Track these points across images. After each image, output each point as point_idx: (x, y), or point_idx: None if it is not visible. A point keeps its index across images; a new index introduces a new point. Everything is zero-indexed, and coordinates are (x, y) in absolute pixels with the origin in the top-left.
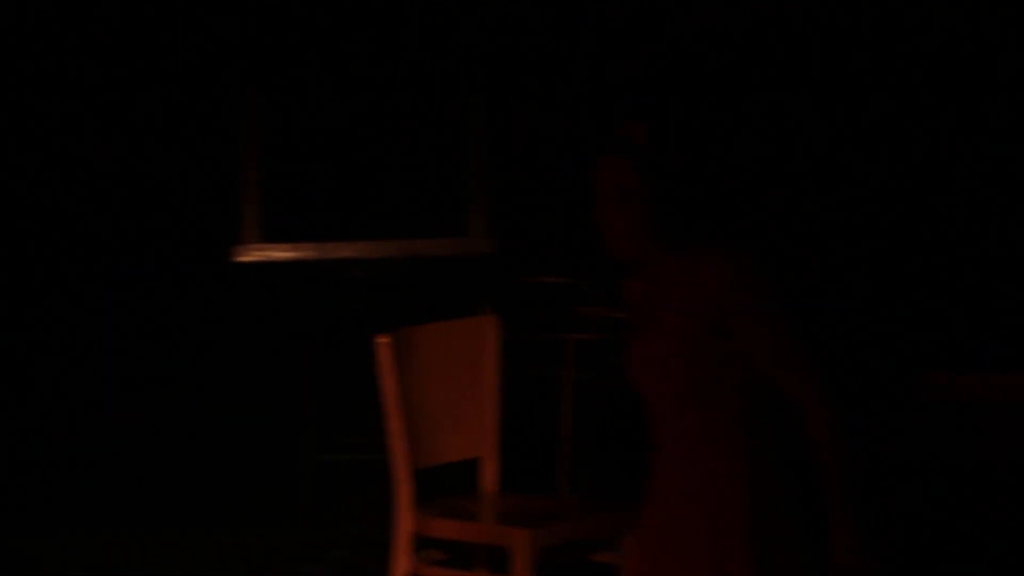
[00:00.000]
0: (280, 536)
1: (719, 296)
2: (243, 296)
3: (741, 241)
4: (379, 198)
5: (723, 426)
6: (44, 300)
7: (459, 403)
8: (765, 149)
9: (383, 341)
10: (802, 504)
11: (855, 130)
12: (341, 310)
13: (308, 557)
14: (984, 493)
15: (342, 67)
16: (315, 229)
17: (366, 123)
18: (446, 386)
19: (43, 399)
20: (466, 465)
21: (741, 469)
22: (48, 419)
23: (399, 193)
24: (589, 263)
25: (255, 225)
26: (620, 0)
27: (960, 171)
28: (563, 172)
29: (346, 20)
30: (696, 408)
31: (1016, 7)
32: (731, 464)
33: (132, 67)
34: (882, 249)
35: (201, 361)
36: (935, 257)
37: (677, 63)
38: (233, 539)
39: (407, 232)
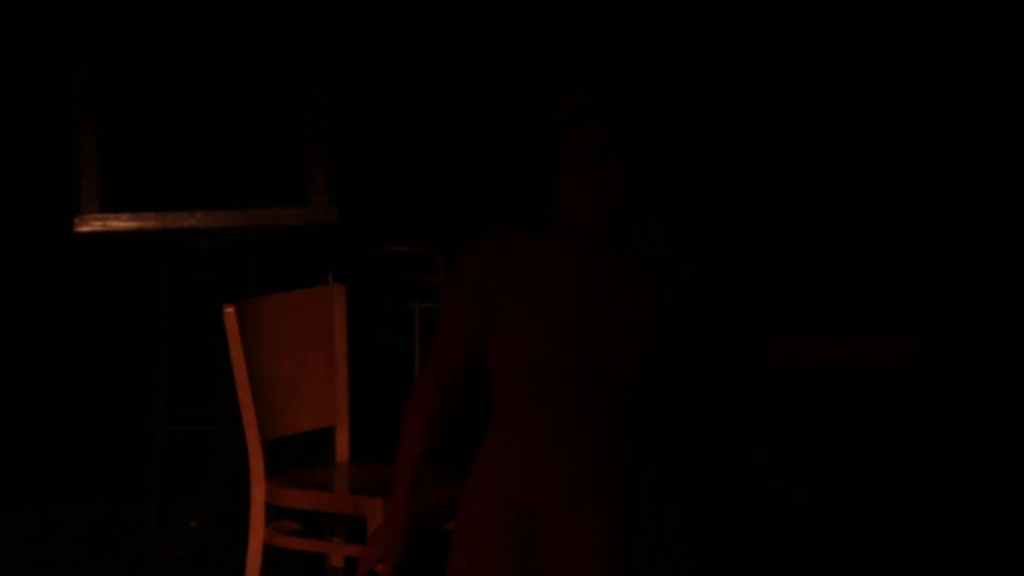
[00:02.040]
0: (133, 510)
1: (684, 297)
2: (85, 268)
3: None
4: (221, 167)
5: (659, 421)
6: None
7: (309, 373)
8: None
9: (229, 311)
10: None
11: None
12: (187, 281)
13: (162, 530)
14: (829, 458)
15: (179, 30)
16: (157, 198)
17: (206, 88)
18: (295, 356)
19: None
20: (319, 435)
21: (672, 464)
22: None
23: (242, 162)
24: (434, 232)
25: (94, 194)
26: None
27: (797, 137)
28: (407, 140)
29: None
30: (646, 399)
31: None
32: (667, 459)
33: None
34: (724, 218)
35: (45, 335)
36: (778, 226)
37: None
38: (85, 514)
39: (251, 202)
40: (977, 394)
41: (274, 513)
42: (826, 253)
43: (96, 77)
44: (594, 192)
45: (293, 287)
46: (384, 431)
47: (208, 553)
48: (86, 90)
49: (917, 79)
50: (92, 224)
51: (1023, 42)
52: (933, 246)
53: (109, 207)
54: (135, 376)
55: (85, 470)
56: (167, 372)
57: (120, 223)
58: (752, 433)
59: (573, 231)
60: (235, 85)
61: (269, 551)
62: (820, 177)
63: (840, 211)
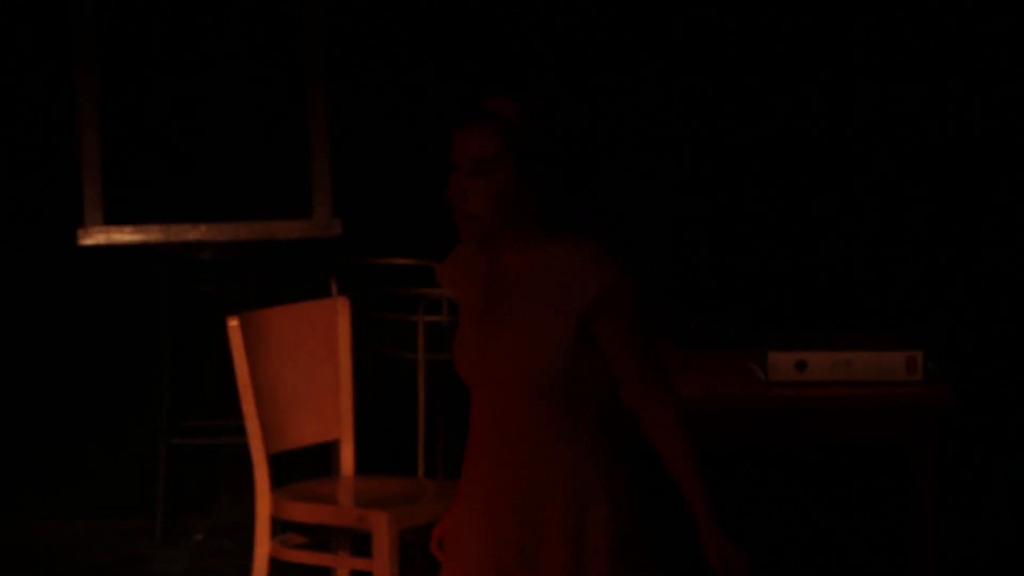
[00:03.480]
0: (138, 522)
1: (596, 303)
2: (88, 280)
3: (607, 231)
4: (224, 179)
5: (581, 424)
6: None
7: (313, 385)
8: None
9: (233, 324)
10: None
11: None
12: (190, 293)
13: (167, 543)
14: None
15: (183, 43)
16: (160, 210)
17: (209, 101)
18: (299, 368)
19: None
20: (323, 448)
21: (598, 469)
22: None
23: (245, 174)
24: (438, 244)
25: (98, 207)
26: None
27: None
28: (410, 152)
29: None
30: (549, 405)
31: None
32: (588, 463)
33: None
34: (718, 223)
35: (48, 348)
36: (775, 234)
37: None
38: (90, 527)
39: (254, 214)
40: (983, 405)
41: (279, 526)
42: (822, 260)
43: (99, 90)
44: (461, 203)
45: (297, 299)
46: (388, 444)
47: (213, 566)
48: (88, 103)
49: (918, 80)
50: (95, 236)
51: None
52: (933, 253)
53: (112, 219)
54: (139, 389)
55: (90, 483)
56: (171, 384)
57: (123, 235)
58: (680, 467)
59: (483, 242)
60: (237, 97)
61: (275, 564)
62: (818, 183)
63: (839, 216)
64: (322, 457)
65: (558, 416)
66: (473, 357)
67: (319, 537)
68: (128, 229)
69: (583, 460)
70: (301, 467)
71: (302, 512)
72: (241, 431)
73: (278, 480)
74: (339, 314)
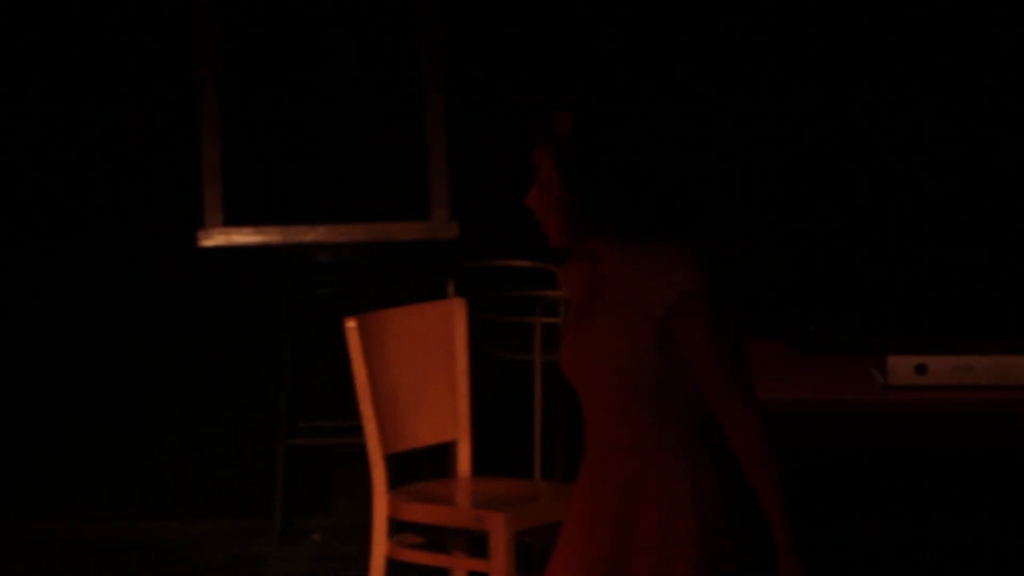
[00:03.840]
0: (256, 523)
1: (674, 308)
2: (208, 281)
3: (696, 238)
4: (343, 180)
5: (672, 431)
6: (5, 289)
7: (430, 386)
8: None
9: (351, 325)
10: (746, 518)
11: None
12: (308, 294)
13: (285, 544)
14: (953, 481)
15: (302, 45)
16: (279, 212)
17: (327, 102)
18: (416, 369)
19: (8, 390)
20: (440, 449)
21: (690, 477)
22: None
23: (363, 176)
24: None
25: (218, 208)
26: None
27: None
28: (527, 154)
29: (308, 2)
30: (639, 411)
31: None
32: (678, 472)
33: (85, 49)
34: (836, 216)
35: (168, 349)
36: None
37: (643, 46)
38: (208, 525)
39: (372, 216)
40: None
41: (396, 527)
42: (945, 263)
43: (219, 92)
44: (537, 216)
45: (414, 301)
46: (505, 445)
47: (330, 566)
48: (209, 105)
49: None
50: (215, 238)
51: None
52: None
53: (232, 221)
54: (257, 390)
55: (208, 483)
56: (289, 386)
57: (243, 237)
58: (758, 477)
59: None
60: (356, 99)
61: (391, 564)
62: (939, 185)
63: (961, 219)
64: (439, 458)
65: (647, 422)
66: (571, 361)
67: (435, 538)
68: (247, 230)
69: (673, 467)
70: (418, 468)
71: (419, 513)
72: (358, 432)
73: (395, 481)
74: (456, 316)
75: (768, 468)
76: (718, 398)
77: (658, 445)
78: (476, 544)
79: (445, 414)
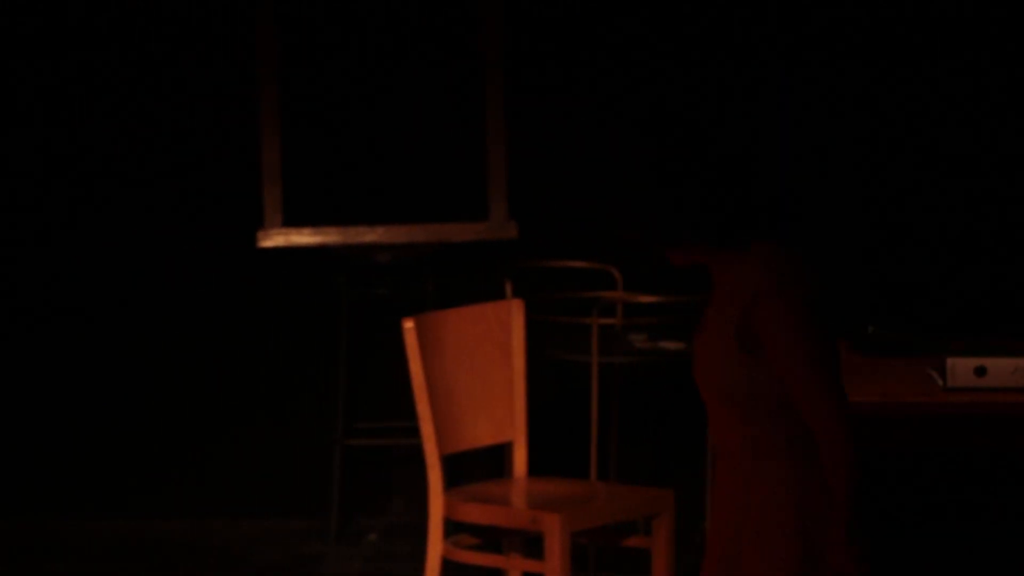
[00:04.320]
0: (313, 523)
1: (751, 308)
2: (267, 281)
3: (792, 238)
4: (401, 181)
5: (769, 436)
6: (67, 289)
7: (487, 387)
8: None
9: (409, 325)
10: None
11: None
12: (367, 295)
13: (341, 543)
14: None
15: (361, 46)
16: (337, 213)
17: (386, 103)
18: (473, 370)
19: (70, 390)
20: (496, 450)
21: (784, 484)
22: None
23: (422, 176)
24: (613, 247)
25: (277, 209)
26: None
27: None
28: (587, 155)
29: (368, 2)
30: (735, 416)
31: None
32: (774, 478)
33: (146, 49)
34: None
35: (228, 349)
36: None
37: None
38: (265, 525)
39: (431, 216)
40: None
41: (452, 527)
42: (1004, 265)
43: (279, 94)
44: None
45: (472, 301)
46: (561, 446)
47: (386, 566)
48: (269, 106)
49: None
50: (275, 238)
51: None
52: None
53: (291, 222)
54: (315, 390)
55: (266, 483)
56: (347, 386)
57: (302, 238)
58: (837, 479)
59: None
60: (415, 100)
61: (447, 565)
62: (998, 189)
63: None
64: (495, 459)
65: (744, 426)
66: (694, 370)
67: (491, 538)
68: (307, 231)
69: (769, 473)
70: (474, 468)
71: (475, 513)
72: (415, 432)
73: (451, 481)
74: (513, 316)
75: (844, 470)
76: (801, 397)
77: (755, 451)
78: (531, 545)
79: (501, 415)
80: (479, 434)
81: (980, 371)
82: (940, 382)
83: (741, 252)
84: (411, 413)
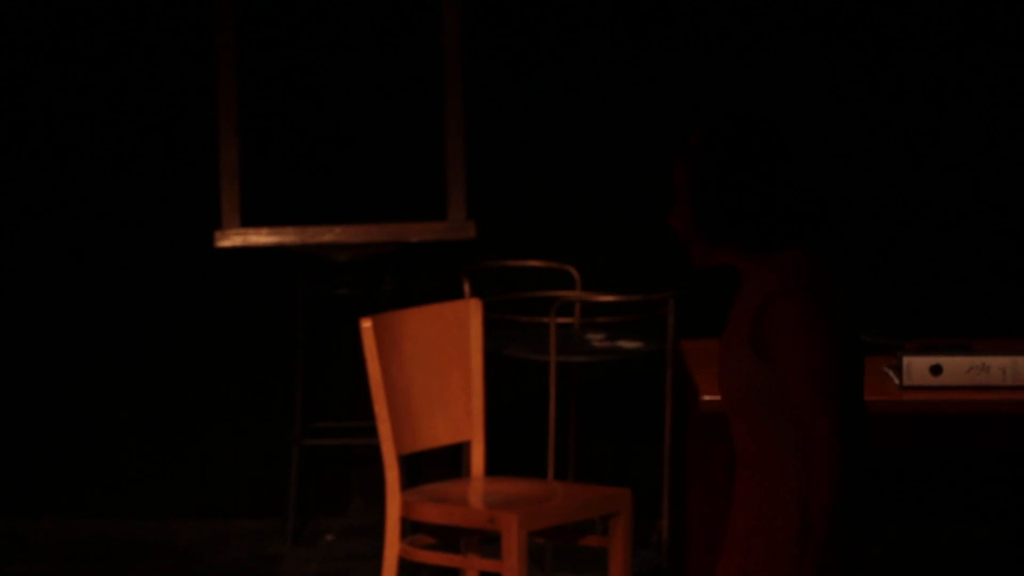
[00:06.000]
0: (269, 523)
1: (759, 314)
2: (225, 282)
3: (811, 245)
4: (359, 181)
5: (774, 448)
6: (21, 289)
7: (445, 387)
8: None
9: (367, 325)
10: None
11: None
12: (325, 295)
13: (298, 544)
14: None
15: (319, 45)
16: (296, 213)
17: (346, 104)
18: (431, 370)
19: (26, 391)
20: (454, 450)
21: (793, 497)
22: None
23: (381, 176)
24: (571, 247)
25: (235, 209)
26: None
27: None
28: (544, 154)
29: (325, 2)
30: (747, 424)
31: None
32: (780, 489)
33: (102, 48)
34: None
35: (185, 349)
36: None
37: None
38: (223, 525)
39: (389, 216)
40: None
41: (409, 527)
42: (959, 264)
43: (237, 93)
44: (680, 236)
45: (430, 301)
46: (519, 446)
47: (344, 566)
48: (227, 106)
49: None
50: (232, 239)
51: None
52: None
53: (249, 222)
54: (273, 390)
55: (223, 483)
56: (304, 386)
57: (260, 238)
58: (812, 493)
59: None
60: (373, 99)
61: (404, 565)
62: (954, 183)
63: (975, 220)
64: (453, 459)
65: (759, 434)
66: (717, 378)
67: (449, 538)
68: (264, 231)
69: (776, 486)
70: (432, 469)
71: (432, 513)
72: (373, 432)
73: (409, 481)
74: (471, 316)
75: (827, 486)
76: (797, 403)
77: (769, 459)
78: (489, 544)
79: (459, 415)
80: (437, 434)
81: (936, 370)
82: (896, 381)
83: (766, 255)
84: (369, 413)
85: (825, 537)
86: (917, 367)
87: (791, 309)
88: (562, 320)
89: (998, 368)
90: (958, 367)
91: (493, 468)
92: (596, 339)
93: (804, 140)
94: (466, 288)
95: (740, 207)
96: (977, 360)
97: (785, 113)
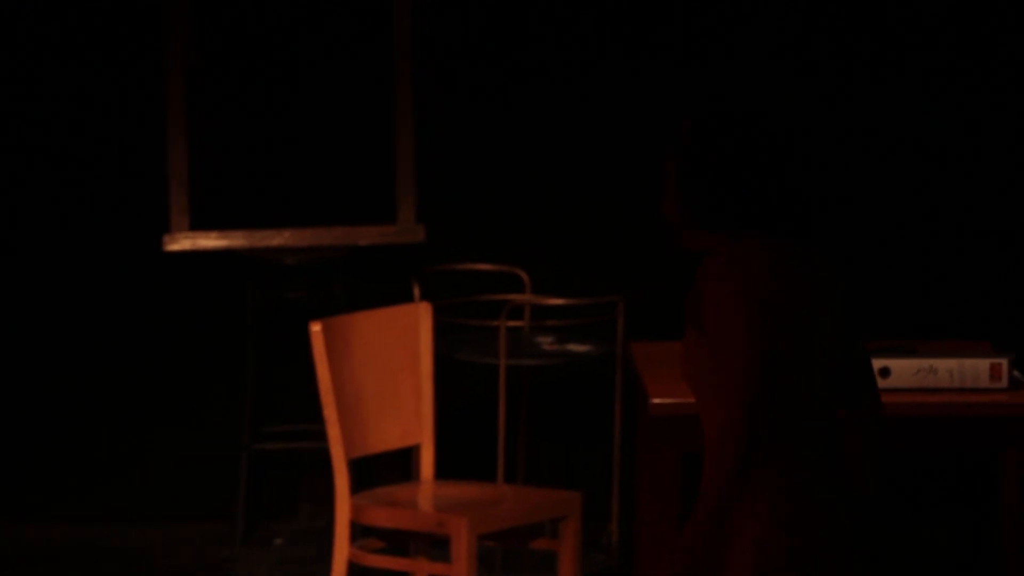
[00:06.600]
0: (218, 527)
1: (698, 303)
2: (173, 286)
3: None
4: (309, 185)
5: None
6: None
7: (394, 391)
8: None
9: (316, 329)
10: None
11: None
12: (274, 298)
13: (248, 547)
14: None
15: (269, 49)
16: (245, 216)
17: (295, 107)
18: (381, 374)
19: None
20: (404, 453)
21: (750, 494)
22: None
23: (330, 179)
24: (521, 250)
25: (184, 213)
26: None
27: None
28: (494, 158)
29: (276, 4)
30: (707, 409)
31: None
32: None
33: (50, 47)
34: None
35: (133, 353)
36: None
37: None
38: (173, 529)
39: (338, 220)
40: None
41: (359, 531)
42: (907, 265)
43: (186, 96)
44: (671, 224)
45: (380, 305)
46: (469, 450)
47: (293, 570)
48: (176, 109)
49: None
50: (181, 242)
51: None
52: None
53: (198, 225)
54: (223, 394)
55: (171, 487)
56: (254, 390)
57: (209, 241)
58: (700, 497)
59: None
60: (322, 103)
61: (354, 569)
62: (900, 183)
63: (923, 220)
64: (402, 462)
65: (704, 415)
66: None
67: (398, 542)
68: (213, 235)
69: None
70: (382, 472)
71: (382, 517)
72: (322, 436)
73: (358, 485)
74: (421, 320)
75: (712, 471)
76: (720, 382)
77: (724, 444)
78: (438, 548)
79: (409, 418)
80: (386, 438)
81: (884, 372)
82: None
83: (734, 241)
84: (319, 417)
85: (700, 518)
86: None
87: (717, 292)
88: (512, 323)
89: (945, 370)
90: (906, 369)
91: (443, 472)
92: (546, 342)
93: (786, 133)
94: (416, 292)
95: (721, 194)
96: (925, 362)
97: (764, 106)
